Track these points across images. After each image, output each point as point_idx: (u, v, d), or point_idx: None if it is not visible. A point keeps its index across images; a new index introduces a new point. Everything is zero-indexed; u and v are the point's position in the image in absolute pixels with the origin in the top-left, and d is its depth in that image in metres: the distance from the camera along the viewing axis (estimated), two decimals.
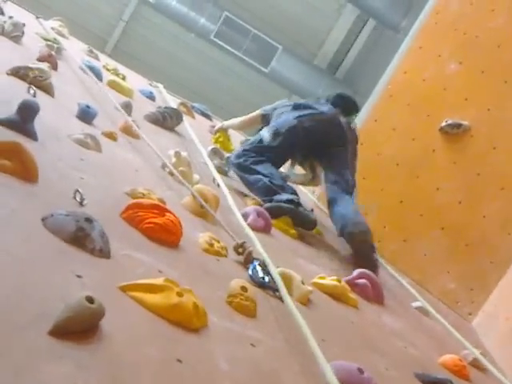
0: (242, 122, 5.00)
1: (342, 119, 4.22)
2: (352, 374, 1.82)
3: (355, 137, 4.33)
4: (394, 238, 4.81)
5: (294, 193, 3.89)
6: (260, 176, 3.87)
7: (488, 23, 4.94)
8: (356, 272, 3.22)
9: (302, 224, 3.78)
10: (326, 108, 4.25)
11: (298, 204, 3.77)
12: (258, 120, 4.70)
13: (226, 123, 5.19)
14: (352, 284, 3.07)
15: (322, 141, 4.15)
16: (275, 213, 3.58)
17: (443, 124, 4.83)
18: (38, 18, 5.56)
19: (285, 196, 3.75)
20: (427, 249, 4.65)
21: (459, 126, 4.75)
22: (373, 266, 3.67)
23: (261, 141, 4.11)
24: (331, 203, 4.07)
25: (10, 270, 1.39)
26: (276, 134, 4.07)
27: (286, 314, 2.07)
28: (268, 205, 3.65)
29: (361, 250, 3.77)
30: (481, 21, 5.00)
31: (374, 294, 3.17)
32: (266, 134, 4.12)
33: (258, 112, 4.71)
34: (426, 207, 4.78)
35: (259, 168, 3.93)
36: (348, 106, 4.34)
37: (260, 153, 4.04)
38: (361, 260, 3.70)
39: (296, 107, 4.30)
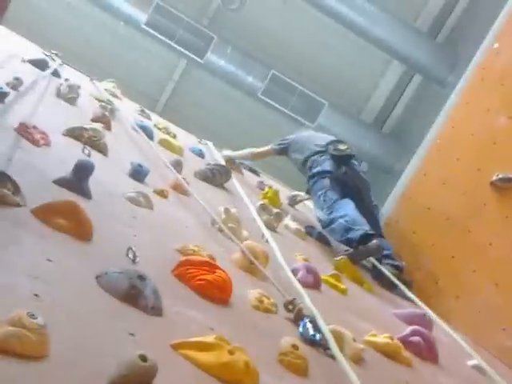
0: (253, 154, 5.74)
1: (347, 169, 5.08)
2: None
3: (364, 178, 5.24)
4: (447, 294, 4.71)
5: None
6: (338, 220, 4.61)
7: None
8: (409, 329, 3.15)
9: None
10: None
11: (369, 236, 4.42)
12: (271, 154, 5.70)
13: (233, 155, 5.68)
14: (405, 341, 2.99)
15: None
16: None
17: (494, 178, 4.76)
18: (92, 79, 5.76)
19: (359, 232, 4.43)
20: (481, 305, 4.53)
21: (510, 179, 4.67)
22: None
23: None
24: None
25: (65, 327, 1.42)
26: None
27: (338, 373, 2.03)
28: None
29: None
30: None
31: (428, 352, 3.08)
32: (320, 213, 4.89)
33: (270, 147, 5.66)
34: (479, 263, 4.68)
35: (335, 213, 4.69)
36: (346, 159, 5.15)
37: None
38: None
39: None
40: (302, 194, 5.79)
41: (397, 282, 4.33)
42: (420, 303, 4.07)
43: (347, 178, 5.03)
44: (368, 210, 4.96)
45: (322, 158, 5.16)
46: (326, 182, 4.96)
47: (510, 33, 5.51)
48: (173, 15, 10.10)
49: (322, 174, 5.04)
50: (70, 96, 4.18)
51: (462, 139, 5.24)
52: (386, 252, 4.64)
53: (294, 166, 5.59)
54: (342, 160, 5.12)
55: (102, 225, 2.16)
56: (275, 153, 5.66)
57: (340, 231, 4.54)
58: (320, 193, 4.94)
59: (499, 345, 4.24)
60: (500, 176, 4.72)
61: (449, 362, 3.20)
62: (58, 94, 4.18)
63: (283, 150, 5.56)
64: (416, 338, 3.06)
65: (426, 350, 3.06)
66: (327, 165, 5.09)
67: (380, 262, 4.55)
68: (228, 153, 5.68)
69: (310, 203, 5.86)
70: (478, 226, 4.79)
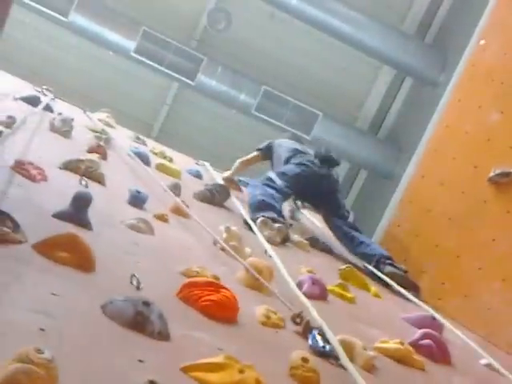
0: (243, 164, 5.73)
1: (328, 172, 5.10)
2: None
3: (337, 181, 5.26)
4: (455, 293, 4.70)
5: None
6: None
7: None
8: (419, 333, 3.15)
9: None
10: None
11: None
12: (258, 158, 5.75)
13: (230, 174, 5.66)
14: (416, 345, 2.99)
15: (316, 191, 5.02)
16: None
17: (491, 174, 4.77)
18: (85, 111, 5.80)
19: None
20: (490, 302, 4.51)
21: (508, 174, 4.67)
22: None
23: (271, 180, 4.92)
24: (350, 243, 4.87)
25: (74, 359, 1.42)
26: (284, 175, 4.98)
27: (351, 383, 2.04)
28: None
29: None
30: None
31: (440, 354, 3.08)
32: (274, 175, 5.01)
33: (256, 153, 5.76)
34: (484, 260, 4.67)
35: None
36: (332, 163, 5.18)
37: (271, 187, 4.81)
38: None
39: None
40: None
41: (400, 288, 4.30)
42: (427, 306, 4.06)
43: (321, 180, 5.03)
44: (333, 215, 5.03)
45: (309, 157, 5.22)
46: (296, 170, 4.99)
47: (495, 28, 5.55)
48: (160, 40, 10.17)
49: (300, 164, 5.07)
50: (64, 129, 4.22)
51: (456, 138, 5.26)
52: (385, 255, 4.66)
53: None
54: (327, 161, 5.14)
55: (104, 254, 2.18)
56: (262, 155, 5.70)
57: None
58: (270, 176, 5.00)
59: (510, 340, 4.23)
60: (497, 171, 4.73)
61: (462, 362, 3.20)
62: (52, 129, 4.21)
63: (268, 150, 5.62)
64: (427, 341, 3.05)
65: (438, 353, 3.06)
66: (311, 160, 5.13)
67: (380, 269, 4.54)
68: (226, 174, 5.69)
69: (309, 214, 5.87)
70: (479, 224, 4.79)
